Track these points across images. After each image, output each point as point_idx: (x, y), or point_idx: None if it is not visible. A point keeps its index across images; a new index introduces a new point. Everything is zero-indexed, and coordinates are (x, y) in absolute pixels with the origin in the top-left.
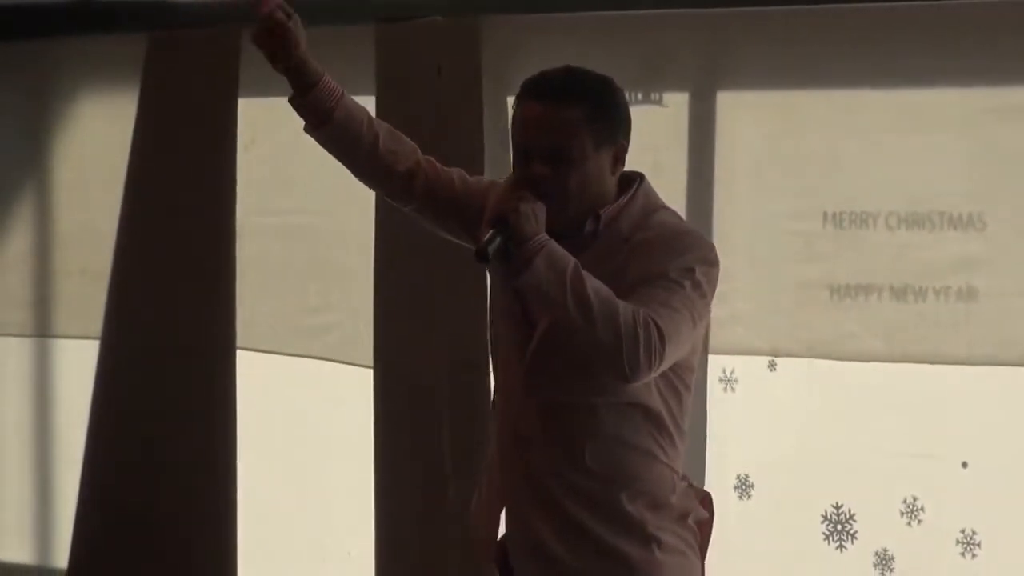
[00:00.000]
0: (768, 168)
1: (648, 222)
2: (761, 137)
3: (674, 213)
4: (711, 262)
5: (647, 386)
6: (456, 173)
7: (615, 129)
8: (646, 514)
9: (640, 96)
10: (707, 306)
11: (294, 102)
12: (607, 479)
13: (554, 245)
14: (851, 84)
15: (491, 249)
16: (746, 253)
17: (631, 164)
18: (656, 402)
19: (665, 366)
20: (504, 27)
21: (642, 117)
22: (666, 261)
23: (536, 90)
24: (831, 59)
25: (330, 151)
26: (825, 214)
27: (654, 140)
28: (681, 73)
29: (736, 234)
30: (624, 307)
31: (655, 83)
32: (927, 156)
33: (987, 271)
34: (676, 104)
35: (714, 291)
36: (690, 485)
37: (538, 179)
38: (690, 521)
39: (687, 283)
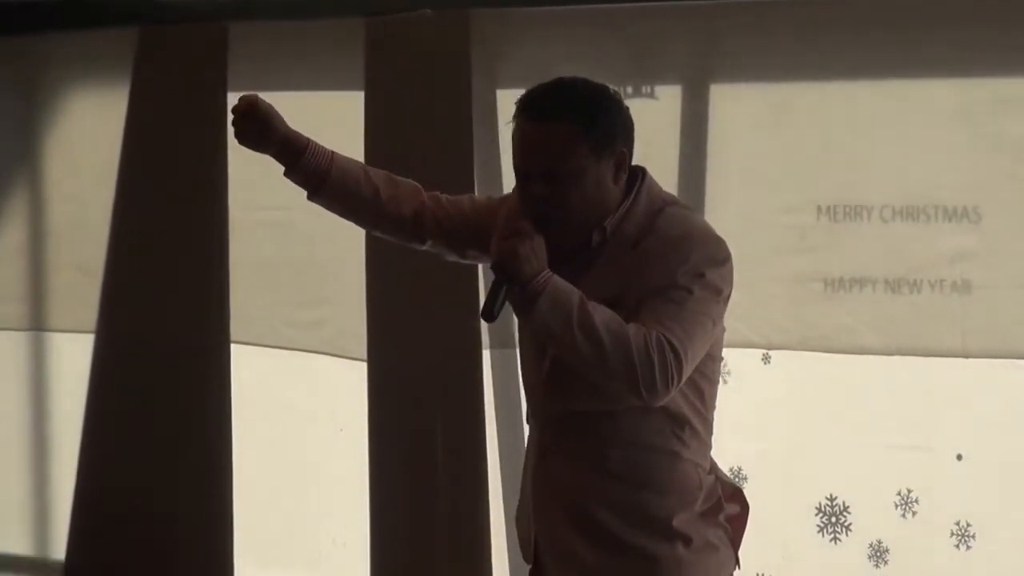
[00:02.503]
0: (761, 161)
1: (654, 224)
2: (754, 130)
3: (681, 207)
4: (720, 260)
5: None
6: (467, 199)
7: (613, 138)
8: (673, 513)
9: (631, 89)
10: (724, 301)
11: (289, 174)
12: (631, 483)
13: (557, 282)
14: (845, 76)
15: (496, 307)
16: (740, 246)
17: None
18: (677, 403)
19: (684, 380)
20: (494, 21)
21: (634, 110)
22: (672, 269)
23: (528, 108)
24: (825, 51)
25: (335, 211)
26: (819, 207)
27: (646, 133)
28: (673, 66)
29: (729, 227)
30: (635, 333)
31: (647, 76)
32: (921, 148)
33: (982, 264)
34: (668, 97)
35: (731, 285)
36: (718, 479)
37: (539, 200)
38: (721, 518)
39: (696, 288)
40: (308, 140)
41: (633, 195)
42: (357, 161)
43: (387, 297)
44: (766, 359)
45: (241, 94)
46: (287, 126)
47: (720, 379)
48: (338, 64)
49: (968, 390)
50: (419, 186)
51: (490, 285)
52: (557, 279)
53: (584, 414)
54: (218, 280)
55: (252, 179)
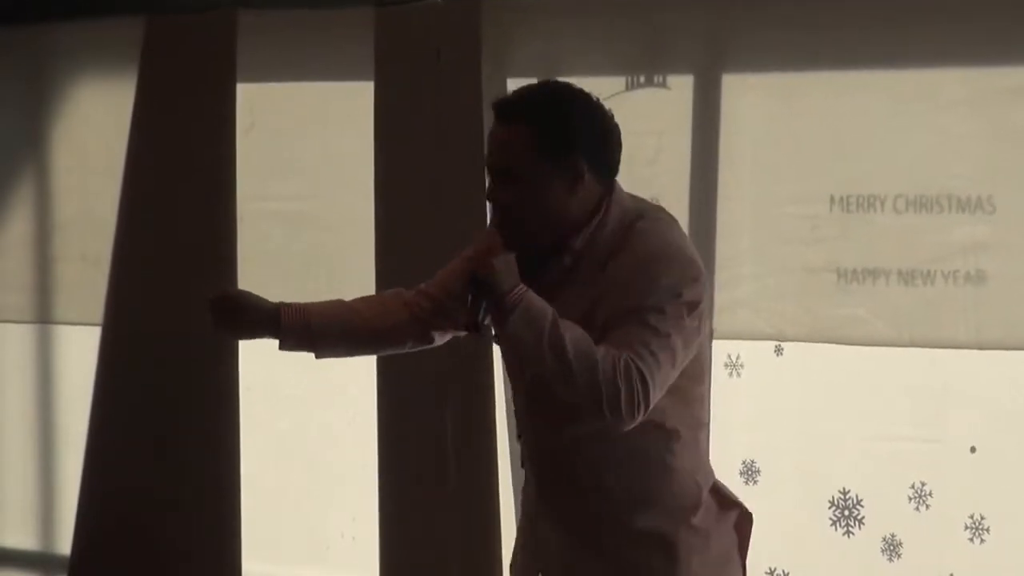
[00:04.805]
0: (774, 151)
1: (626, 241)
2: (767, 119)
3: (652, 220)
4: (693, 277)
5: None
6: (447, 273)
7: (568, 147)
8: (678, 528)
9: (643, 79)
10: (700, 316)
11: (281, 345)
12: (631, 504)
13: (532, 298)
14: (858, 65)
15: (482, 318)
16: (752, 237)
17: (635, 147)
18: (656, 414)
19: (653, 404)
20: (504, 10)
21: (646, 100)
22: (644, 290)
23: (496, 109)
24: (838, 40)
25: (341, 354)
26: (832, 197)
27: (658, 123)
28: (685, 55)
29: (741, 218)
30: (604, 357)
31: (659, 65)
32: (935, 138)
33: (996, 255)
34: (680, 87)
35: (709, 299)
36: (716, 487)
37: (495, 200)
38: (729, 524)
39: (669, 308)
40: (278, 303)
41: (602, 213)
42: (331, 301)
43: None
44: (778, 351)
45: (249, 85)
46: (262, 300)
47: (710, 375)
48: (348, 53)
49: (982, 382)
50: (400, 290)
51: (469, 300)
52: (532, 295)
53: (572, 440)
54: (226, 271)
55: (260, 170)
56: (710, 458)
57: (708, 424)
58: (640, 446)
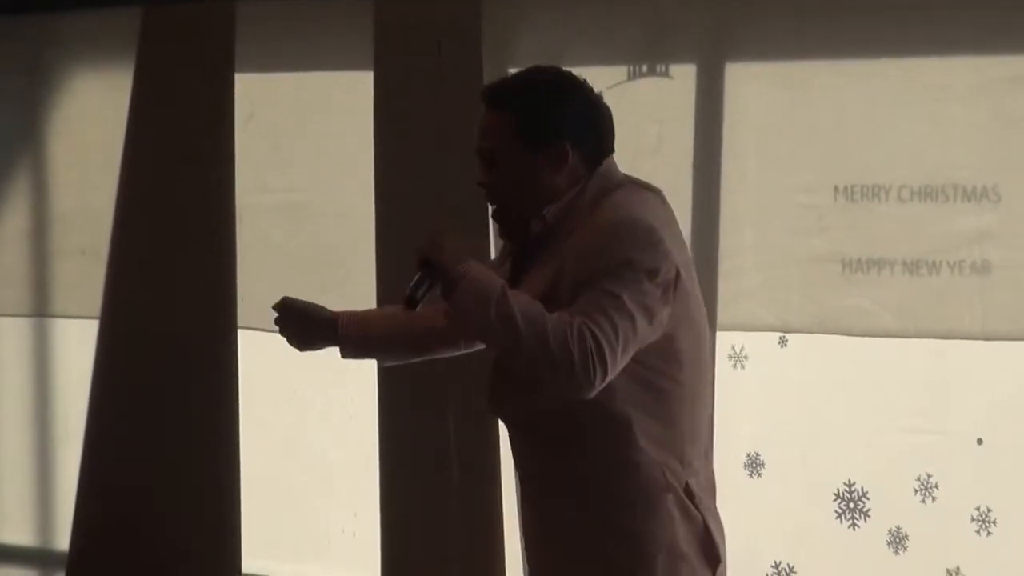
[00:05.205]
0: (778, 141)
1: (593, 213)
2: (770, 109)
3: (629, 191)
4: (648, 243)
5: (608, 392)
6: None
7: (550, 132)
8: (646, 523)
9: (645, 68)
10: (664, 286)
11: (342, 353)
12: (595, 494)
13: (479, 273)
14: (862, 54)
15: (419, 294)
16: (756, 227)
17: (638, 137)
18: (622, 406)
19: (617, 371)
20: (505, 1)
21: (648, 89)
22: (598, 260)
23: (483, 95)
24: (841, 29)
25: (401, 359)
26: (836, 187)
27: (660, 113)
28: (688, 45)
29: (745, 208)
30: (556, 324)
31: (661, 55)
32: (940, 127)
33: (1002, 244)
34: (683, 76)
35: (670, 266)
36: (688, 486)
37: (481, 183)
38: (698, 524)
39: (626, 274)
40: (336, 312)
41: (580, 187)
42: (383, 309)
43: (396, 282)
44: (783, 342)
45: (248, 75)
46: (321, 309)
47: (696, 375)
48: (347, 43)
49: (988, 373)
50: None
51: (416, 278)
52: (481, 271)
53: (533, 422)
54: (225, 264)
55: (260, 162)
56: (698, 458)
57: (685, 426)
58: (600, 437)
